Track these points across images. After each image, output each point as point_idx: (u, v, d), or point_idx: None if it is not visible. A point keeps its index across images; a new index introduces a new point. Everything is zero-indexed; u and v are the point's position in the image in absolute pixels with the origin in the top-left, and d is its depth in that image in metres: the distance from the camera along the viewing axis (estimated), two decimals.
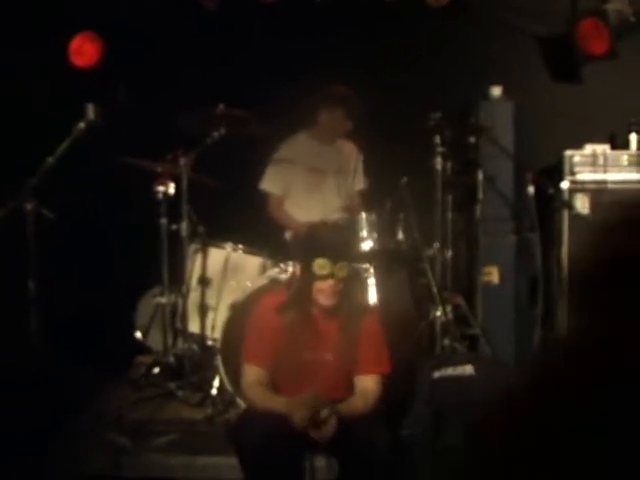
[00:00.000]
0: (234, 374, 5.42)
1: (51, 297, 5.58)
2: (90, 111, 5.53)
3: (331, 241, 4.57)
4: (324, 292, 4.49)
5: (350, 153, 6.96)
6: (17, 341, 5.60)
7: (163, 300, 6.38)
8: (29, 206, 5.47)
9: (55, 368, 5.49)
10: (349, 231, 5.79)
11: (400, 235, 6.18)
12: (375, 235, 6.07)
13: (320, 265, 4.44)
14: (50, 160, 5.50)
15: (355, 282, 4.91)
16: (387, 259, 6.17)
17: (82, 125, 5.55)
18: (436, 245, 6.34)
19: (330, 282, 4.45)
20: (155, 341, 6.70)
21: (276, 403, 4.37)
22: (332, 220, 5.98)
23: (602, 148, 6.83)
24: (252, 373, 4.57)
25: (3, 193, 5.48)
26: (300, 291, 4.57)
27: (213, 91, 6.54)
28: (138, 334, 6.86)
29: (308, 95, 6.49)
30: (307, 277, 4.51)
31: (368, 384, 4.56)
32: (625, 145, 6.93)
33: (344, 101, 6.64)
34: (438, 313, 6.12)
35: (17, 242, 5.46)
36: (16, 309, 5.53)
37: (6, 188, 5.47)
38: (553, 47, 7.41)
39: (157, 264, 6.30)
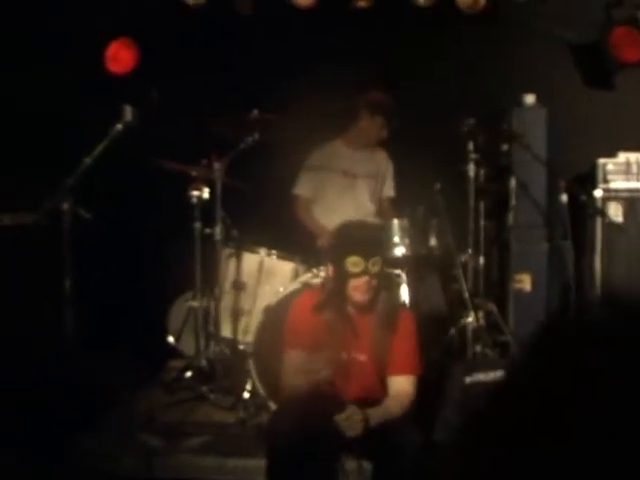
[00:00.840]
0: (267, 378, 5.45)
1: (86, 297, 5.62)
2: (127, 113, 5.57)
3: (361, 237, 4.59)
4: (359, 289, 4.50)
5: (381, 160, 6.99)
6: (52, 339, 5.65)
7: (196, 304, 6.42)
8: (66, 206, 5.51)
9: (89, 368, 5.53)
10: (378, 226, 5.81)
11: (433, 241, 6.19)
12: (407, 241, 6.09)
13: (353, 262, 4.46)
14: (87, 161, 5.54)
15: (389, 279, 4.91)
16: (419, 265, 6.19)
17: (119, 126, 5.59)
18: (469, 251, 6.35)
19: (365, 278, 4.47)
20: (187, 345, 6.74)
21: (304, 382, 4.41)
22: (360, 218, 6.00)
23: (635, 156, 6.81)
24: (293, 356, 4.57)
25: (41, 193, 5.53)
26: (335, 291, 4.58)
27: (247, 96, 6.60)
28: (170, 338, 6.89)
29: (344, 99, 6.54)
30: (341, 276, 4.52)
31: (403, 385, 4.55)
32: None
33: (386, 109, 6.68)
34: (470, 319, 6.12)
35: (54, 241, 5.51)
36: (52, 308, 5.58)
37: (44, 188, 5.52)
38: (586, 54, 7.40)
39: (190, 268, 6.34)
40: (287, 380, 4.60)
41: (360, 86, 6.75)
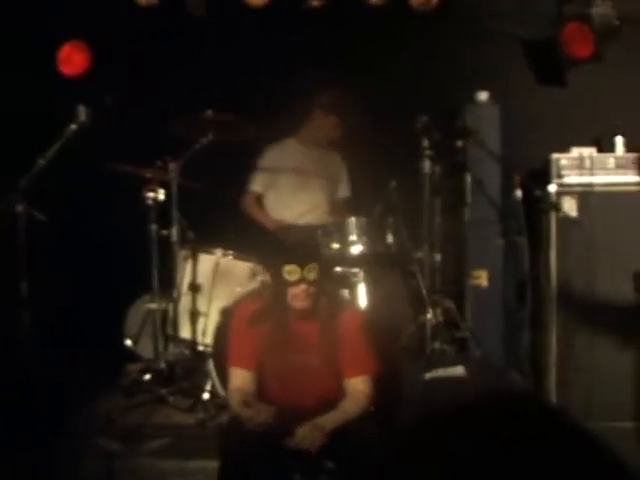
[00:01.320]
0: (226, 378, 5.43)
1: (42, 300, 5.57)
2: (81, 113, 5.55)
3: (296, 245, 4.58)
4: (298, 297, 4.48)
5: (334, 162, 7.02)
6: (8, 343, 5.59)
7: (154, 306, 6.39)
8: (20, 208, 5.47)
9: (45, 371, 5.48)
10: (313, 231, 5.81)
11: (390, 238, 6.22)
12: (365, 239, 6.10)
13: (289, 271, 4.44)
14: (41, 162, 5.50)
15: (329, 281, 4.88)
16: (378, 263, 6.20)
17: (73, 127, 5.56)
18: (425, 248, 6.37)
19: (302, 286, 4.44)
20: (145, 349, 6.69)
21: (243, 412, 4.36)
22: (297, 223, 6.01)
23: (589, 151, 6.86)
24: (236, 376, 4.59)
25: None
26: (274, 299, 4.57)
27: (201, 96, 6.58)
28: (128, 342, 6.83)
29: (299, 98, 6.54)
30: (279, 284, 4.51)
31: (359, 386, 4.54)
32: (611, 148, 6.97)
33: (339, 108, 6.70)
34: (428, 316, 6.15)
35: (8, 244, 5.46)
36: (7, 311, 5.53)
37: None
38: (538, 51, 7.45)
39: (147, 270, 6.30)
40: (232, 400, 4.58)
41: (315, 85, 6.75)
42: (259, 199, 6.89)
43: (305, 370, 4.54)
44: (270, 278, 4.61)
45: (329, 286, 4.78)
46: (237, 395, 4.49)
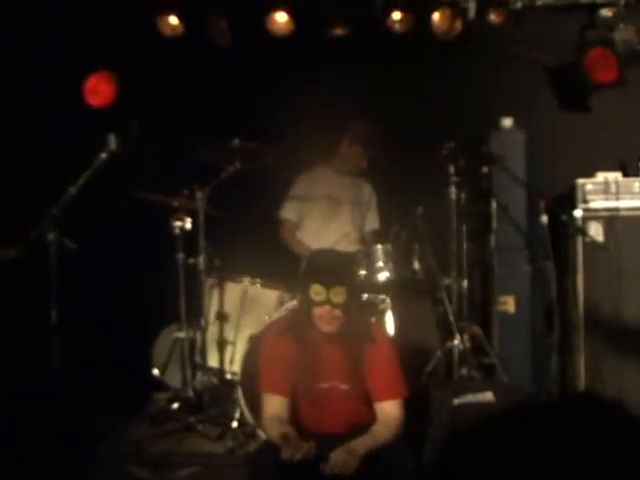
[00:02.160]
0: (255, 406, 5.43)
1: (72, 327, 5.60)
2: (112, 141, 5.59)
3: (327, 266, 4.57)
4: (323, 318, 4.48)
5: (365, 190, 7.04)
6: (38, 371, 5.61)
7: (181, 335, 6.41)
8: (51, 236, 5.50)
9: (74, 400, 5.49)
10: (348, 257, 5.80)
11: (416, 265, 6.22)
12: (391, 265, 6.11)
13: (315, 291, 4.45)
14: (72, 190, 5.54)
15: (358, 307, 4.87)
16: (405, 289, 6.21)
17: (104, 155, 5.60)
18: (452, 275, 6.38)
19: (326, 308, 4.45)
20: (173, 378, 6.70)
21: (278, 440, 4.34)
22: (333, 247, 6.02)
23: (614, 176, 6.86)
24: (271, 403, 4.57)
25: (27, 223, 5.52)
26: (300, 316, 4.58)
27: (227, 125, 6.62)
28: (155, 371, 6.84)
29: (325, 126, 6.57)
30: (306, 303, 4.52)
31: (390, 410, 4.53)
32: (636, 172, 6.96)
33: (364, 140, 6.74)
34: (455, 342, 6.15)
35: (39, 271, 5.49)
36: (38, 338, 5.55)
37: (29, 218, 5.51)
38: (562, 76, 7.47)
39: (174, 299, 6.32)
40: (269, 430, 4.56)
41: (340, 114, 6.78)
42: (294, 228, 6.90)
43: (334, 395, 4.54)
44: (299, 299, 4.63)
45: (357, 311, 4.76)
46: (274, 424, 4.46)
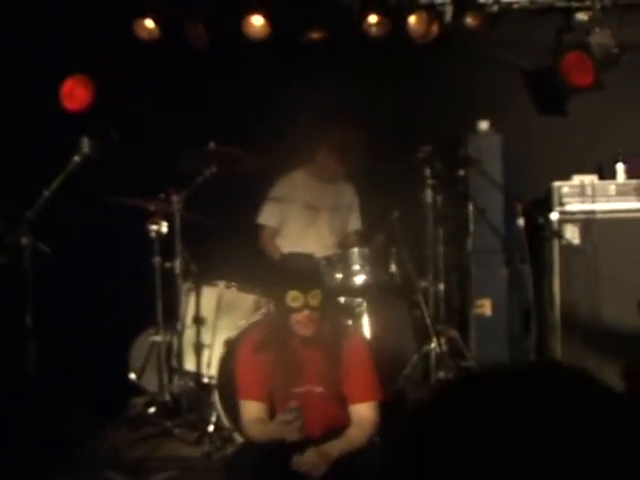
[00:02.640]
0: (232, 410, 5.41)
1: (47, 331, 5.57)
2: (85, 145, 5.56)
3: (299, 271, 4.56)
4: (301, 323, 4.46)
5: (346, 193, 6.99)
6: (13, 375, 5.59)
7: (158, 339, 6.38)
8: (25, 240, 5.47)
9: (50, 405, 5.48)
10: (317, 259, 5.78)
11: (393, 268, 6.22)
12: (368, 269, 6.11)
13: (293, 297, 4.43)
14: (46, 194, 5.51)
15: (333, 308, 4.86)
16: (382, 293, 6.20)
17: (77, 159, 5.57)
18: (429, 278, 6.38)
19: (305, 312, 4.43)
20: (150, 382, 6.68)
21: (271, 432, 4.35)
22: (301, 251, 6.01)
23: (590, 179, 6.89)
24: (250, 409, 4.55)
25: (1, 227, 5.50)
26: (277, 327, 4.56)
27: (204, 129, 6.61)
28: (132, 375, 6.82)
29: (301, 130, 6.55)
30: (283, 311, 4.51)
31: (364, 413, 4.52)
32: (612, 175, 7.00)
33: (341, 150, 6.67)
34: (432, 345, 6.15)
35: (14, 276, 5.47)
36: (13, 342, 5.53)
37: (2, 222, 5.48)
38: (538, 80, 7.50)
39: (151, 303, 6.31)
40: (250, 429, 4.56)
41: (317, 117, 6.75)
42: (274, 234, 6.86)
43: (310, 398, 4.52)
44: (274, 306, 4.61)
45: (332, 313, 4.75)
46: (257, 425, 4.46)
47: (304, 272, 4.56)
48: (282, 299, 4.45)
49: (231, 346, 5.66)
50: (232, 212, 6.70)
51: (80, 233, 6.95)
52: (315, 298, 4.44)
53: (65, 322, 6.64)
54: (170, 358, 6.36)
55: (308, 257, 4.92)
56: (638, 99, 7.32)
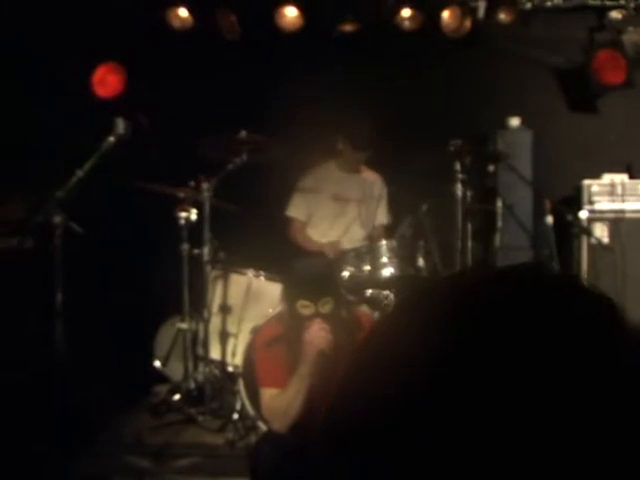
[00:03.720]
0: (256, 398, 5.42)
1: (76, 312, 5.58)
2: (120, 126, 5.55)
3: (309, 280, 4.53)
4: (313, 333, 4.46)
5: (374, 184, 6.99)
6: (43, 353, 5.61)
7: (184, 326, 6.39)
8: (57, 219, 5.47)
9: (77, 389, 5.49)
10: (328, 265, 5.73)
11: (421, 262, 6.20)
12: (396, 261, 6.10)
13: (303, 306, 4.43)
14: (79, 173, 5.51)
15: (346, 311, 4.83)
16: (409, 286, 6.19)
17: (112, 139, 5.57)
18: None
19: (317, 320, 4.41)
20: (174, 370, 6.69)
21: (292, 389, 4.33)
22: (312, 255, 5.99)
23: (620, 178, 6.87)
24: (269, 396, 4.54)
25: (33, 205, 5.51)
26: (290, 331, 4.55)
27: (235, 118, 6.61)
28: (157, 363, 6.82)
29: (331, 121, 6.55)
30: (294, 318, 4.50)
31: None
32: None
33: (354, 141, 6.67)
34: None
35: (45, 254, 5.48)
36: (42, 320, 5.55)
37: (36, 201, 5.50)
38: (570, 78, 7.48)
39: (178, 289, 6.32)
40: (269, 418, 4.55)
41: (340, 114, 6.74)
42: (304, 227, 6.88)
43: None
44: (286, 311, 4.59)
45: (347, 315, 4.73)
46: (276, 418, 4.47)
47: (314, 280, 4.53)
48: (293, 307, 4.44)
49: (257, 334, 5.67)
50: (261, 200, 6.71)
51: (110, 217, 6.97)
52: (326, 305, 4.42)
53: (93, 305, 6.65)
54: (195, 346, 6.37)
55: (320, 263, 4.91)
56: None
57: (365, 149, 6.70)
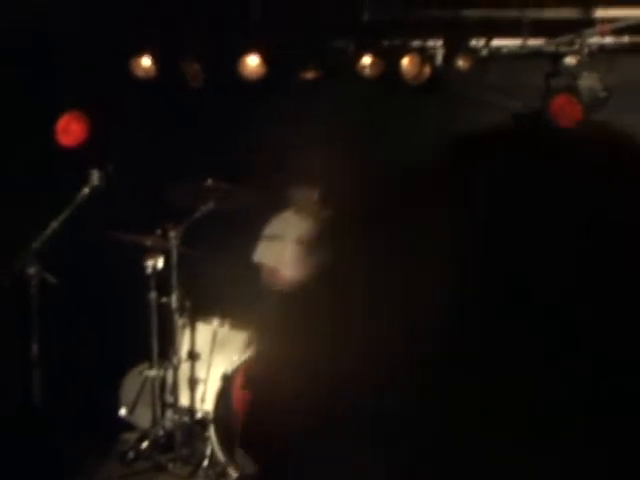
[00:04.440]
0: (227, 444, 5.45)
1: (52, 361, 5.57)
2: (94, 177, 5.59)
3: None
4: None
5: None
6: (19, 403, 5.58)
7: (153, 373, 6.39)
8: (32, 270, 5.48)
9: (48, 436, 5.47)
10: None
11: None
12: None
13: None
14: (54, 225, 5.52)
15: None
16: None
17: (86, 190, 5.60)
18: None
19: None
20: (141, 417, 6.66)
21: None
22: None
23: None
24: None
25: (7, 257, 5.52)
26: None
27: (201, 166, 6.66)
28: (123, 411, 6.79)
29: (296, 166, 6.61)
30: None
31: None
32: None
33: (308, 206, 6.73)
34: None
35: (20, 305, 5.48)
36: (19, 370, 5.54)
37: (10, 252, 5.50)
38: (528, 122, 7.60)
39: (145, 338, 6.32)
40: None
41: (312, 154, 6.78)
42: (275, 271, 6.89)
43: None
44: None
45: None
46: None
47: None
48: None
49: (228, 381, 5.71)
50: (228, 247, 6.73)
51: (84, 263, 6.96)
52: None
53: (69, 350, 6.63)
54: (164, 393, 6.37)
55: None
56: None
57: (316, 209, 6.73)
